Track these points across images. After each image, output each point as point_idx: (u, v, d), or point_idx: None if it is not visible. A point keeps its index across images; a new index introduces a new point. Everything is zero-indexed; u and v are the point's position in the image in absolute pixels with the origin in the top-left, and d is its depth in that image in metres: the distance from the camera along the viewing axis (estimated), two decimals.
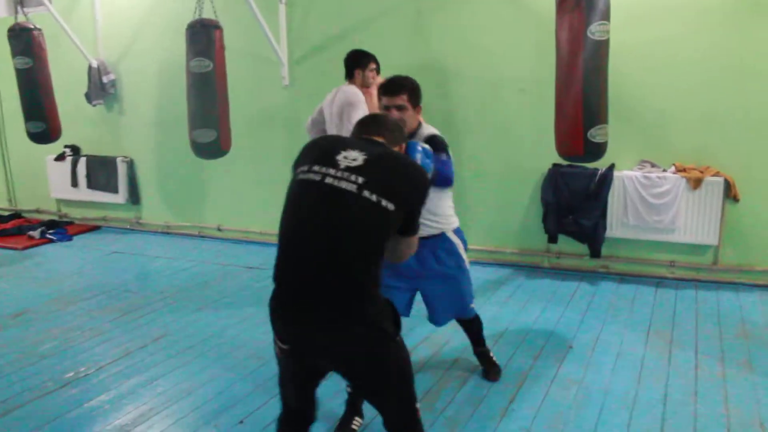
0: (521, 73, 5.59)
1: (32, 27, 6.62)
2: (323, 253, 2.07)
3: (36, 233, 7.58)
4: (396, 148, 2.36)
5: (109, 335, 4.61)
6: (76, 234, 7.79)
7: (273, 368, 2.71)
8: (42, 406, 3.61)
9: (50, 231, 7.66)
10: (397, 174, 2.17)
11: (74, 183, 7.98)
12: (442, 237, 3.33)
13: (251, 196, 6.98)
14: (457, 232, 3.42)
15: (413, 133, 3.18)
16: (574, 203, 5.39)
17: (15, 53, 6.63)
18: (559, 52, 4.30)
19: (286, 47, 6.46)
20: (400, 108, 3.09)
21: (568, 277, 5.56)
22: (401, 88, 3.12)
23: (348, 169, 2.11)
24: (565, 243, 5.62)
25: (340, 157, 2.14)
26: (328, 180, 2.10)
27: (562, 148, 4.36)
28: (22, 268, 6.49)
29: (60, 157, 8.04)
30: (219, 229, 7.20)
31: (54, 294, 5.61)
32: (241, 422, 3.36)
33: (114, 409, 3.56)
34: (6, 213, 8.62)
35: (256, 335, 4.49)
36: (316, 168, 2.15)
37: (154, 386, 3.81)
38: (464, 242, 3.45)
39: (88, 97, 7.63)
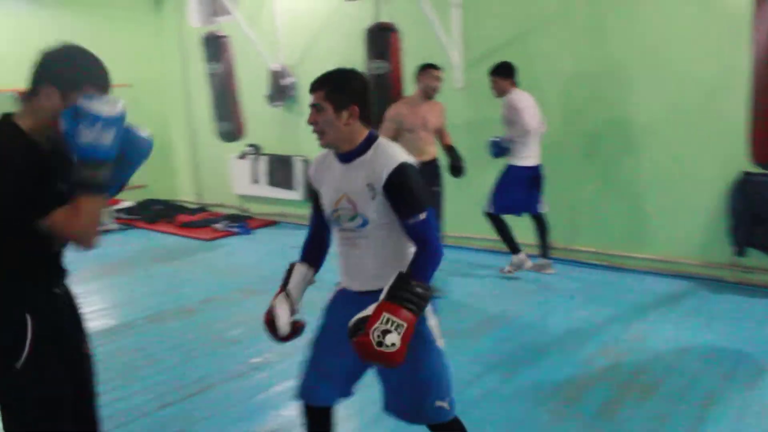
0: (705, 75, 5.28)
1: (222, 35, 7.12)
2: None
3: (220, 226, 8.16)
4: None
5: None
6: (256, 228, 8.29)
7: None
8: (235, 387, 3.89)
9: (232, 224, 8.21)
10: None
11: (255, 180, 8.51)
12: None
13: None
14: None
15: (352, 152, 2.25)
16: None
17: (207, 59, 7.17)
18: (757, 49, 4.03)
19: (460, 50, 6.50)
20: (317, 108, 2.24)
21: (757, 293, 5.19)
22: (321, 82, 2.24)
23: None
24: (754, 256, 5.25)
25: None
26: None
27: (762, 155, 4.07)
28: (208, 258, 7.01)
29: (242, 156, 8.59)
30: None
31: (237, 283, 6.01)
32: None
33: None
34: (194, 206, 9.32)
35: None
36: None
37: None
38: (434, 309, 2.34)
39: (270, 99, 8.08)
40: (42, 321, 1.95)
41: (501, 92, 5.44)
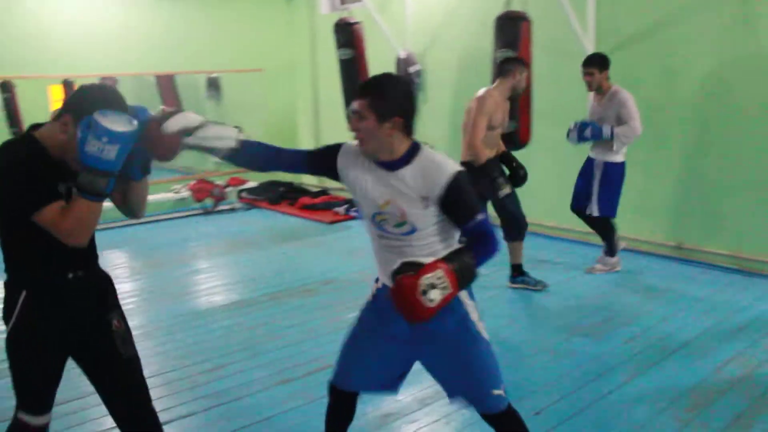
0: None
1: (354, 21, 7.22)
2: None
3: (341, 210, 8.32)
4: None
5: None
6: None
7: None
8: None
9: (353, 209, 8.34)
10: None
11: None
12: None
13: (550, 190, 6.90)
14: None
15: (396, 162, 2.22)
16: None
17: (338, 45, 7.29)
18: None
19: (593, 41, 6.29)
20: (359, 116, 2.19)
21: None
22: (365, 89, 2.21)
23: None
24: None
25: None
26: None
27: None
28: (330, 240, 7.17)
29: None
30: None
31: (357, 267, 6.10)
32: (538, 413, 3.36)
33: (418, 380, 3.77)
34: (316, 190, 9.55)
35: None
36: None
37: None
38: (475, 300, 2.37)
39: None
40: (39, 301, 2.23)
41: (599, 86, 5.23)
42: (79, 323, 2.31)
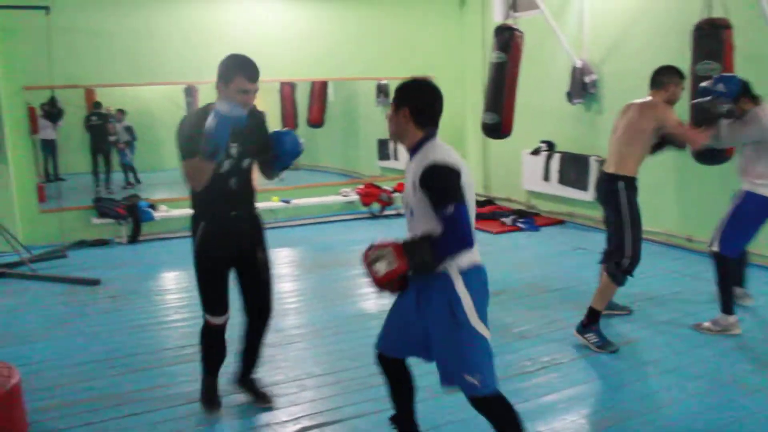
0: None
1: (515, 28, 7.04)
2: None
3: (508, 220, 8.18)
4: None
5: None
6: (543, 225, 8.18)
7: None
8: (521, 384, 3.86)
9: (520, 220, 8.18)
10: None
11: (546, 177, 8.38)
12: (441, 275, 2.54)
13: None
14: (468, 274, 2.56)
15: (411, 150, 2.66)
16: None
17: (494, 48, 7.12)
18: None
19: None
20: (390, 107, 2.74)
21: None
22: (396, 88, 2.72)
23: None
24: None
25: None
26: None
27: None
28: (496, 251, 7.05)
29: (535, 152, 8.51)
30: (689, 240, 6.81)
31: (526, 279, 5.97)
32: None
33: (584, 400, 3.61)
34: (482, 199, 9.45)
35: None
36: None
37: (625, 389, 3.76)
38: (477, 290, 2.57)
39: (569, 96, 7.89)
40: (210, 227, 3.27)
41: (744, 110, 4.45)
42: (236, 246, 3.34)
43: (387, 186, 9.23)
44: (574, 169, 8.02)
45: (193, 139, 2.95)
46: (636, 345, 4.43)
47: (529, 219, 8.23)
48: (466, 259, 2.54)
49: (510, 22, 7.15)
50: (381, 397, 3.65)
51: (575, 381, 3.89)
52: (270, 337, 4.63)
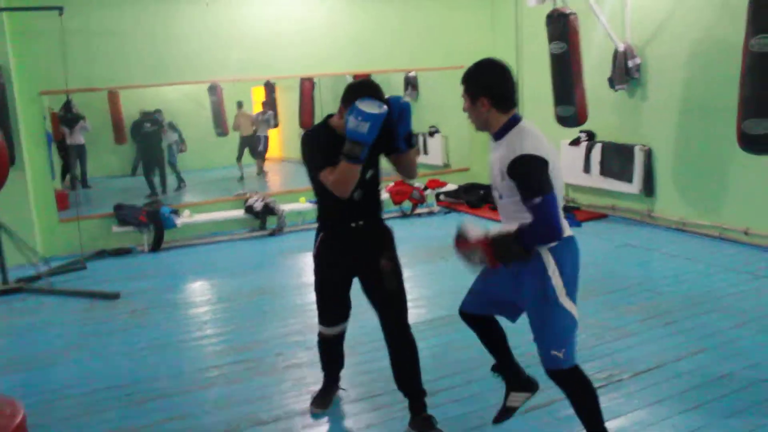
0: None
1: (569, 12, 6.62)
2: None
3: None
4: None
5: (639, 338, 4.29)
6: (584, 220, 7.72)
7: None
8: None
9: None
10: None
11: (586, 169, 7.91)
12: (534, 256, 2.59)
13: None
14: (558, 249, 2.60)
15: (496, 134, 2.67)
16: None
17: (551, 38, 6.73)
18: None
19: None
20: (464, 101, 2.73)
21: None
22: (462, 77, 2.72)
23: None
24: None
25: None
26: None
27: None
28: None
29: (575, 142, 8.04)
30: (746, 233, 6.31)
31: None
32: None
33: (655, 424, 3.18)
34: None
35: None
36: None
37: (698, 409, 3.32)
38: (565, 265, 2.62)
39: (611, 82, 7.43)
40: (328, 237, 3.27)
41: None
42: (357, 257, 3.24)
43: (419, 183, 8.80)
44: (617, 159, 7.54)
45: (325, 151, 2.99)
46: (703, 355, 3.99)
47: (570, 214, 7.76)
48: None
49: (559, 5, 6.73)
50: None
51: (643, 401, 3.46)
52: (300, 356, 4.31)
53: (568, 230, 2.64)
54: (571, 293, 2.63)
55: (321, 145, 3.03)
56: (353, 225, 3.18)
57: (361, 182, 3.04)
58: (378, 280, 3.21)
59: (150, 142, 9.23)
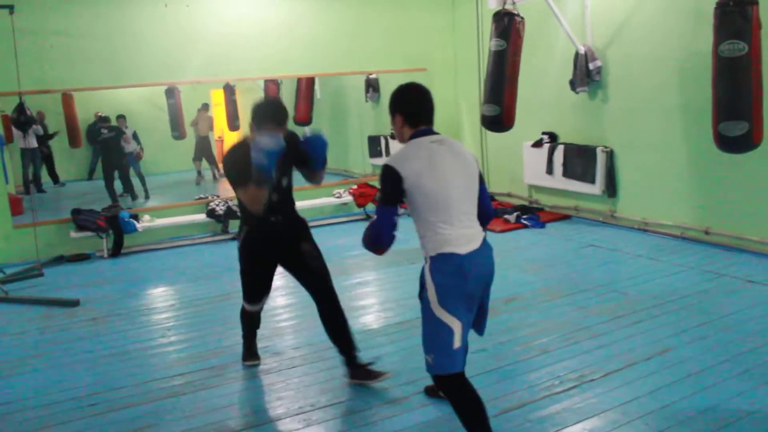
0: None
1: (515, 13, 6.64)
2: None
3: (511, 217, 7.76)
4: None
5: (608, 338, 4.31)
6: (548, 221, 7.77)
7: None
8: (550, 409, 3.43)
9: (524, 216, 7.76)
10: None
11: (549, 170, 7.96)
12: (425, 260, 2.84)
13: (749, 199, 6.02)
14: (434, 264, 2.74)
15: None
16: None
17: (493, 35, 6.73)
18: None
19: None
20: None
21: None
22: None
23: None
24: None
25: None
26: None
27: None
28: (503, 252, 6.60)
29: (537, 144, 8.09)
30: (707, 233, 6.41)
31: (539, 283, 5.58)
32: None
33: (630, 423, 3.19)
34: None
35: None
36: None
37: (669, 408, 3.34)
38: (442, 278, 2.71)
39: (572, 84, 7.49)
40: (253, 231, 3.77)
41: None
42: (279, 246, 3.80)
43: None
44: (579, 161, 7.61)
45: (242, 170, 3.34)
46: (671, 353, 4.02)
47: (533, 215, 7.81)
48: (435, 246, 2.73)
49: (509, 7, 6.74)
50: (399, 431, 3.26)
51: (615, 400, 3.47)
52: (267, 362, 4.24)
53: (453, 246, 2.71)
54: (450, 305, 2.69)
55: (237, 162, 3.43)
56: (273, 219, 3.69)
57: (277, 189, 3.63)
58: (302, 261, 3.82)
59: (109, 147, 8.94)
